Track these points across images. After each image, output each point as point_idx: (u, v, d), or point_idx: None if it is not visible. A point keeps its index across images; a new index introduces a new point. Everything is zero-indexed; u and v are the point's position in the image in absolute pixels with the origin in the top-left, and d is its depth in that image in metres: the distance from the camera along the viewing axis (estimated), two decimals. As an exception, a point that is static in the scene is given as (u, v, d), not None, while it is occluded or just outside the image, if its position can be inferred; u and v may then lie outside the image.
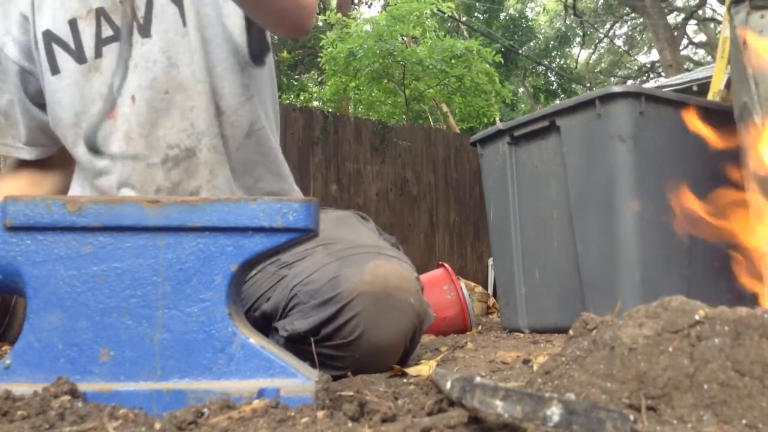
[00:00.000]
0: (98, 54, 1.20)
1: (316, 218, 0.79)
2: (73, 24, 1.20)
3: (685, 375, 0.58)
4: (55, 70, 1.21)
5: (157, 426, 0.60)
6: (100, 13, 1.20)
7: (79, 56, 1.20)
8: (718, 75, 2.86)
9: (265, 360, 0.74)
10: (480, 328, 2.86)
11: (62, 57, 1.21)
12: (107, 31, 1.20)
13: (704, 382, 0.57)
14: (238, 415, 0.62)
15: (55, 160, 1.37)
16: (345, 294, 1.09)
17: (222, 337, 0.75)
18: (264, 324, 1.21)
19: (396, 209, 5.87)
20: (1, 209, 0.74)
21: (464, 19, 13.82)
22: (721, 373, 0.57)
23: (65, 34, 1.21)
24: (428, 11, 7.89)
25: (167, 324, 0.75)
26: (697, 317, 0.61)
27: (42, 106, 1.29)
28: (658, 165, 2.26)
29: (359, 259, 1.13)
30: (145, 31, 1.20)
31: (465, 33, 12.10)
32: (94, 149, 1.22)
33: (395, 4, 7.40)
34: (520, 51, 14.41)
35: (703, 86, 4.69)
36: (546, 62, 16.48)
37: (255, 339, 0.76)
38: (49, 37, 1.21)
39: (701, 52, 17.61)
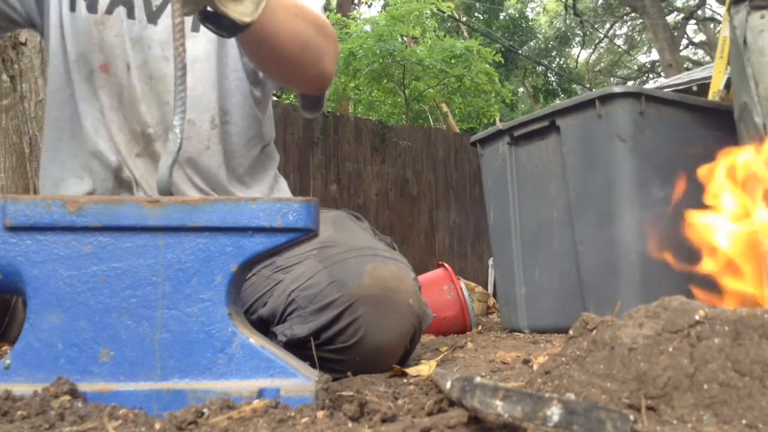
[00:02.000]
0: (109, 11, 1.22)
1: (316, 218, 0.79)
2: None
3: (685, 375, 0.58)
4: (73, 6, 1.23)
5: (157, 426, 0.60)
6: None
7: (91, 5, 1.23)
8: (717, 75, 2.86)
9: (265, 360, 0.74)
10: (480, 328, 2.86)
11: (80, 1, 1.23)
12: None
13: (704, 382, 0.57)
14: (238, 415, 0.62)
15: None
16: (344, 298, 1.09)
17: (222, 337, 0.75)
18: (261, 328, 1.21)
19: (396, 209, 5.87)
20: (1, 209, 0.74)
21: (464, 19, 13.82)
22: (721, 373, 0.57)
23: None
24: (428, 11, 7.90)
25: (167, 324, 0.75)
26: (697, 317, 0.61)
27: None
28: (658, 165, 2.26)
29: (356, 262, 1.13)
30: (152, 19, 1.23)
31: (465, 33, 12.10)
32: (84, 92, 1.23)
33: (395, 4, 7.40)
34: (519, 51, 14.41)
35: (703, 86, 4.69)
36: (546, 62, 16.48)
37: (255, 339, 0.76)
38: None
39: (701, 52, 17.62)
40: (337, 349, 1.11)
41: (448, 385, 0.58)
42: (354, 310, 1.09)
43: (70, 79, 1.24)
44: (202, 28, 1.21)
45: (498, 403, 0.51)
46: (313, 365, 0.98)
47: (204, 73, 1.25)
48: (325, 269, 1.13)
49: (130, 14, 1.22)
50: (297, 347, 1.11)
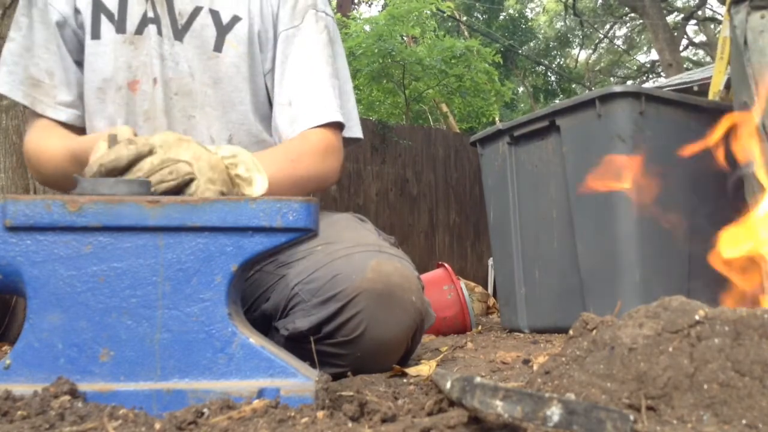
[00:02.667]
0: (139, 31, 1.27)
1: (315, 218, 0.79)
2: None
3: (685, 375, 0.58)
4: (95, 35, 1.27)
5: (157, 426, 0.60)
6: None
7: (120, 26, 1.27)
8: (717, 75, 2.86)
9: (265, 360, 0.74)
10: (480, 328, 2.86)
11: (106, 26, 1.27)
12: (150, 13, 1.27)
13: (704, 382, 0.57)
14: (238, 415, 0.62)
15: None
16: (347, 291, 1.09)
17: (222, 337, 0.75)
18: (263, 324, 1.21)
19: (396, 209, 5.87)
20: (1, 209, 0.74)
21: (464, 19, 13.82)
22: (721, 373, 0.57)
23: (113, 5, 1.27)
24: (428, 11, 7.90)
25: (167, 324, 0.74)
26: (697, 317, 0.61)
27: (79, 63, 1.33)
28: (658, 165, 2.26)
29: (361, 257, 1.13)
30: (179, 36, 1.28)
31: (465, 33, 12.10)
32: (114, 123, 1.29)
33: (394, 4, 7.40)
34: (519, 51, 14.41)
35: (703, 86, 4.69)
36: (546, 62, 16.48)
37: (255, 339, 0.76)
38: (98, 7, 1.27)
39: (701, 52, 17.62)
40: (338, 343, 1.11)
41: (448, 385, 0.58)
42: (356, 304, 1.09)
43: (101, 99, 1.29)
44: (224, 48, 1.28)
45: (498, 403, 0.51)
46: (313, 360, 0.99)
47: (225, 94, 1.31)
48: (329, 263, 1.14)
49: (159, 31, 1.27)
50: (298, 341, 1.11)
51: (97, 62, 1.27)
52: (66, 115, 1.30)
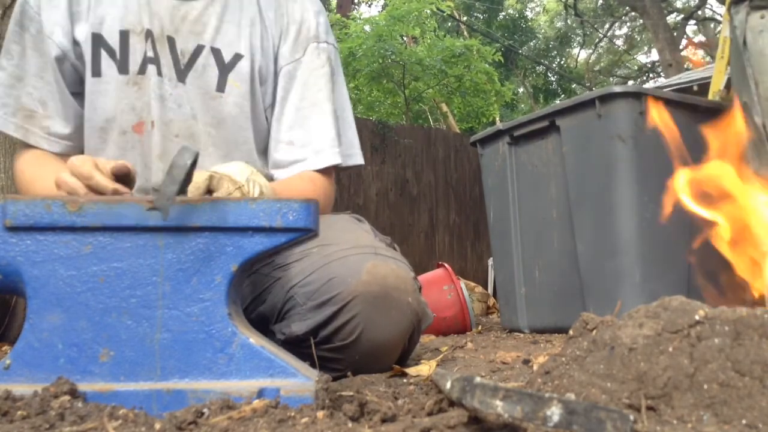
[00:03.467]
0: (142, 71, 1.25)
1: (315, 218, 0.79)
2: (124, 35, 1.24)
3: (685, 375, 0.58)
4: (96, 72, 1.25)
5: (157, 426, 0.60)
6: (149, 35, 1.25)
7: (122, 66, 1.25)
8: (717, 75, 2.86)
9: (265, 360, 0.74)
10: (480, 328, 2.86)
11: (106, 63, 1.25)
12: (150, 53, 1.25)
13: (704, 382, 0.57)
14: (238, 415, 0.62)
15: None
16: (343, 295, 1.08)
17: (222, 337, 0.75)
18: (260, 326, 1.20)
19: (396, 209, 5.87)
20: (1, 209, 0.74)
21: (464, 19, 13.82)
22: (721, 373, 0.57)
23: (114, 42, 1.25)
24: (428, 11, 7.90)
25: (167, 324, 0.74)
26: (697, 317, 0.61)
27: (76, 95, 1.31)
28: (658, 165, 2.26)
29: (356, 260, 1.13)
30: (181, 77, 1.27)
31: (465, 33, 12.10)
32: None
33: (394, 4, 7.40)
34: (520, 51, 14.41)
35: (703, 86, 4.69)
36: (546, 62, 16.48)
37: (255, 339, 0.76)
38: (98, 41, 1.25)
39: (700, 52, 17.61)
40: (335, 348, 1.10)
41: (448, 385, 0.58)
42: (352, 307, 1.08)
43: (103, 139, 1.27)
44: (227, 88, 1.28)
45: (498, 403, 0.51)
46: (312, 364, 0.98)
47: (228, 134, 1.31)
48: (324, 266, 1.13)
49: (159, 72, 1.26)
50: (295, 345, 1.11)
51: (98, 101, 1.25)
52: (60, 147, 1.27)
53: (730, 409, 0.54)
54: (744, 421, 0.53)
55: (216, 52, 1.27)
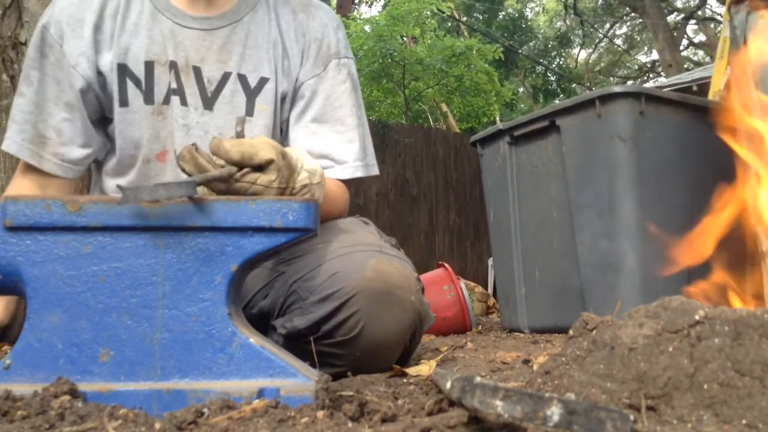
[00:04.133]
0: (166, 101, 1.26)
1: (316, 218, 0.79)
2: (149, 66, 1.26)
3: (685, 375, 0.58)
4: (123, 102, 1.26)
5: (157, 426, 0.60)
6: (173, 67, 1.26)
7: (147, 97, 1.26)
8: (717, 75, 2.85)
9: (265, 360, 0.74)
10: (480, 328, 2.86)
11: (133, 92, 1.26)
12: (174, 84, 1.27)
13: (704, 382, 0.57)
14: (238, 415, 0.62)
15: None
16: (346, 290, 1.09)
17: (222, 337, 0.75)
18: (261, 322, 1.21)
19: (396, 209, 5.87)
20: (1, 209, 0.74)
21: (464, 19, 13.82)
22: (721, 373, 0.57)
23: (139, 72, 1.26)
24: (428, 11, 7.90)
25: (167, 324, 0.74)
26: (697, 317, 0.61)
27: (96, 121, 1.32)
28: (658, 165, 2.26)
29: (360, 256, 1.13)
30: (208, 104, 1.28)
31: (465, 33, 12.10)
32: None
33: (395, 4, 7.40)
34: (519, 51, 14.42)
35: (703, 86, 4.69)
36: (546, 62, 16.49)
37: (255, 339, 0.76)
38: (123, 71, 1.26)
39: (701, 52, 17.62)
40: (336, 343, 1.10)
41: (448, 385, 0.58)
42: (355, 302, 1.09)
43: (130, 164, 1.29)
44: (255, 112, 1.29)
45: (498, 403, 0.51)
46: (312, 359, 0.98)
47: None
48: (328, 261, 1.14)
49: (183, 102, 1.27)
50: (296, 341, 1.11)
51: (127, 130, 1.27)
52: (73, 173, 1.30)
53: (730, 409, 0.55)
54: (744, 421, 0.53)
55: (242, 78, 1.29)
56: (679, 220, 2.30)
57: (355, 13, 9.72)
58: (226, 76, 1.29)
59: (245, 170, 0.87)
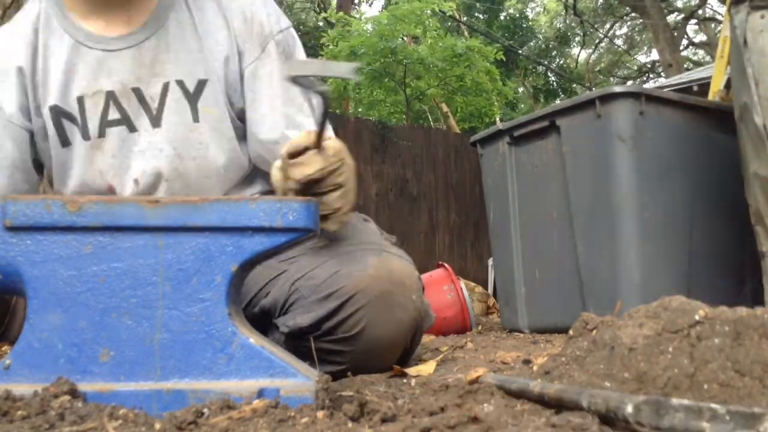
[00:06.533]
0: (101, 134, 1.23)
1: (316, 218, 0.79)
2: (80, 101, 1.23)
3: (685, 375, 0.58)
4: (65, 143, 1.24)
5: (157, 426, 0.60)
6: (110, 97, 1.23)
7: (84, 132, 1.24)
8: (717, 75, 2.86)
9: (265, 360, 0.74)
10: (480, 328, 2.86)
11: (72, 130, 1.24)
12: (114, 114, 1.23)
13: (704, 382, 0.57)
14: (238, 415, 0.62)
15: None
16: (348, 288, 1.09)
17: (222, 337, 0.75)
18: (263, 320, 1.21)
19: (396, 209, 5.87)
20: (1, 209, 0.74)
21: (464, 19, 13.82)
22: (721, 373, 0.57)
23: (74, 109, 1.23)
24: (429, 11, 7.90)
25: (167, 324, 0.75)
26: (697, 317, 0.61)
27: (33, 161, 1.30)
28: (658, 165, 2.26)
29: (362, 255, 1.14)
30: (156, 122, 1.24)
31: (465, 33, 12.10)
32: None
33: (396, 3, 7.40)
34: (520, 51, 14.42)
35: (703, 86, 4.69)
36: (546, 62, 16.49)
37: (255, 339, 0.76)
38: (57, 112, 1.23)
39: (701, 52, 17.62)
40: (338, 340, 1.11)
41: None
42: (357, 300, 1.09)
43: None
44: (201, 116, 1.24)
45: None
46: (312, 357, 0.99)
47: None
48: (330, 260, 1.14)
49: (132, 129, 1.23)
50: (298, 338, 1.12)
51: (73, 168, 1.24)
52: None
53: (730, 409, 0.54)
54: (744, 421, 0.53)
55: (180, 84, 1.24)
56: (679, 220, 2.30)
57: (354, 12, 9.71)
58: (165, 87, 1.23)
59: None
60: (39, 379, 0.71)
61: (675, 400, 0.48)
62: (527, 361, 1.39)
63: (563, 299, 2.44)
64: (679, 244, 2.28)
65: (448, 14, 10.09)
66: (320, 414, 0.63)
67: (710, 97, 2.85)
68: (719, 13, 13.92)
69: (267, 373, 0.74)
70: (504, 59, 8.45)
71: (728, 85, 2.58)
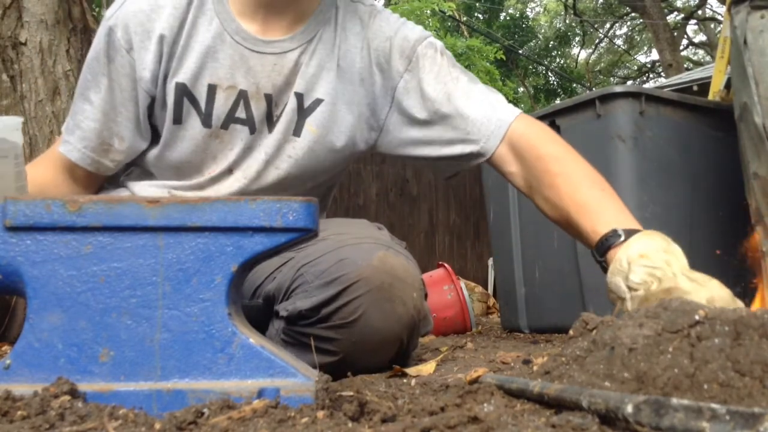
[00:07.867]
0: (225, 126, 1.26)
1: (316, 218, 0.79)
2: (212, 89, 1.24)
3: (685, 375, 0.58)
4: (177, 120, 1.26)
5: (157, 426, 0.60)
6: (242, 96, 1.25)
7: (206, 120, 1.25)
8: (718, 75, 2.86)
9: (265, 360, 0.74)
10: (480, 328, 2.86)
11: (189, 112, 1.25)
12: (241, 113, 1.26)
13: (704, 382, 0.57)
14: (238, 415, 0.62)
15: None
16: (350, 276, 1.11)
17: (222, 337, 0.75)
18: (266, 309, 1.23)
19: (396, 209, 5.87)
20: (1, 209, 0.74)
21: (464, 19, 13.82)
22: (721, 373, 0.57)
23: (200, 94, 1.24)
24: (428, 11, 7.91)
25: (167, 324, 0.75)
26: (697, 317, 0.61)
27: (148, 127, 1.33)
28: (658, 165, 2.26)
29: (369, 247, 1.16)
30: (272, 128, 1.28)
31: (465, 33, 12.10)
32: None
33: (396, 3, 7.40)
34: (520, 51, 14.42)
35: (703, 86, 4.69)
36: (546, 62, 16.49)
37: (255, 339, 0.76)
38: (182, 91, 1.24)
39: (701, 52, 17.62)
40: (334, 326, 1.12)
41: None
42: (357, 288, 1.10)
43: (175, 173, 1.31)
44: (304, 132, 1.27)
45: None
46: (308, 343, 0.99)
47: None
48: (337, 249, 1.16)
49: (252, 130, 1.27)
50: (295, 324, 1.14)
51: (176, 145, 1.27)
52: (115, 170, 1.33)
53: (730, 409, 0.54)
54: (744, 421, 0.53)
55: (299, 97, 1.27)
56: (679, 220, 2.30)
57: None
58: (288, 97, 1.27)
59: None
60: (39, 379, 0.71)
61: (675, 400, 0.48)
62: (527, 361, 1.39)
63: (563, 299, 2.44)
64: (679, 243, 2.28)
65: (448, 14, 10.08)
66: (320, 414, 0.63)
67: (710, 97, 2.85)
68: (719, 13, 13.92)
69: (267, 373, 0.74)
70: (504, 59, 8.46)
71: (728, 85, 2.58)
